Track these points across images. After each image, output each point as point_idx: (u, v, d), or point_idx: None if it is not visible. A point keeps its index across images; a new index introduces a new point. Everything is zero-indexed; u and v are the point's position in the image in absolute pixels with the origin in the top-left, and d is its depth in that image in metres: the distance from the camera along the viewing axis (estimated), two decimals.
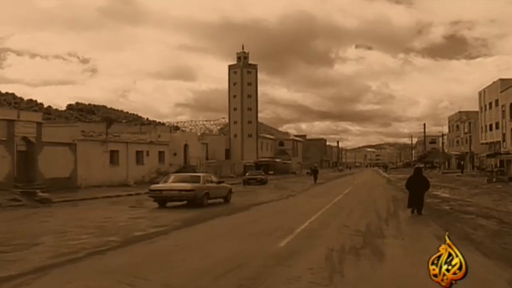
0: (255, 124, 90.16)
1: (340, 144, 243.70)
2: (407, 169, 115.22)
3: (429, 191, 18.76)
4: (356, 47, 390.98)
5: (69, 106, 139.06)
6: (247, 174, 49.84)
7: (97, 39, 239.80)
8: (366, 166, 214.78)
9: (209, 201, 21.49)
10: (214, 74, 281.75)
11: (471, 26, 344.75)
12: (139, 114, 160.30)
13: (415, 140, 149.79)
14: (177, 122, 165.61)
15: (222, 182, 24.62)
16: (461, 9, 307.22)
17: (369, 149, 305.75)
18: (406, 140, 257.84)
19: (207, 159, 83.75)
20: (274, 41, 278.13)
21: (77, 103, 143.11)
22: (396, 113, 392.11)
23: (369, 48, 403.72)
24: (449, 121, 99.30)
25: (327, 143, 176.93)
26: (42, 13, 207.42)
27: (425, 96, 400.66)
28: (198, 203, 20.37)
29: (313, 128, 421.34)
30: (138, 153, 45.72)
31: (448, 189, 34.99)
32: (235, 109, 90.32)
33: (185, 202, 20.88)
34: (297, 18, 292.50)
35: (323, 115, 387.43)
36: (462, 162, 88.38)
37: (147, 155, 47.07)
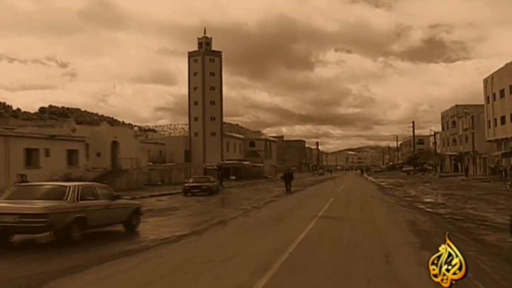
0: (219, 121, 76.96)
1: (321, 148, 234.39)
2: (394, 172, 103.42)
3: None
4: (336, 50, 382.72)
5: (42, 109, 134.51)
6: (190, 180, 36.60)
7: (76, 43, 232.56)
8: (348, 169, 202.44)
9: (95, 230, 12.77)
10: None
11: (450, 30, 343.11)
12: (116, 118, 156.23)
13: (399, 142, 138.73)
14: (156, 126, 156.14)
15: (119, 197, 14.05)
16: (439, 12, 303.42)
17: (350, 152, 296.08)
18: (387, 143, 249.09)
19: (164, 162, 70.92)
20: (254, 45, 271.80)
21: (50, 106, 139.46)
22: (376, 116, 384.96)
23: (349, 51, 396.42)
24: (442, 118, 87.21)
25: (308, 146, 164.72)
26: (21, 17, 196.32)
27: (405, 99, 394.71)
28: (61, 237, 11.11)
29: (294, 132, 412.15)
30: (30, 152, 32.21)
31: (484, 203, 22.41)
32: (195, 103, 77.03)
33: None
34: (277, 21, 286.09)
35: (304, 119, 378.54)
36: (459, 164, 76.35)
37: (46, 154, 33.55)
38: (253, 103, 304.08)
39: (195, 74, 77.09)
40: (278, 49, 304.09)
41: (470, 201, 23.63)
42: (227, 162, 73.30)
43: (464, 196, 27.32)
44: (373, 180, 65.04)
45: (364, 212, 18.70)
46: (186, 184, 35.05)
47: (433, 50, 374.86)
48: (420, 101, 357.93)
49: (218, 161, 71.54)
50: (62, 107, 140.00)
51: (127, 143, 44.70)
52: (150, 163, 67.36)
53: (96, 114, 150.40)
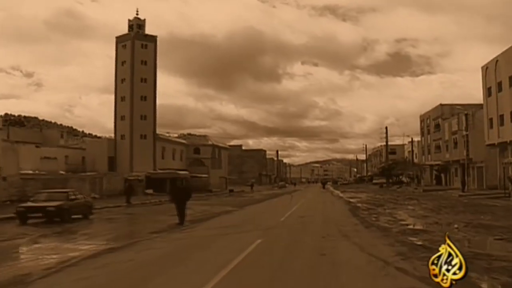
0: (152, 121, 62.04)
1: (288, 160, 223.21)
2: (363, 185, 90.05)
3: None
4: (303, 63, 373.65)
5: None
6: (32, 198, 21.74)
7: (42, 53, 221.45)
8: (313, 182, 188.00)
9: None
10: (161, 89, 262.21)
11: (415, 44, 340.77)
12: (77, 128, 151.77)
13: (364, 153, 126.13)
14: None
15: None
16: (405, 27, 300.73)
17: (316, 165, 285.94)
18: (355, 155, 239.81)
19: (84, 171, 55.98)
20: (222, 57, 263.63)
21: (6, 114, 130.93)
22: (343, 129, 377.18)
23: (316, 64, 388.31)
24: (421, 121, 74.05)
25: (272, 157, 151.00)
26: None
27: (372, 112, 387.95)
28: None
29: (260, 144, 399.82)
30: None
31: None
32: (122, 98, 61.95)
33: None
34: (245, 34, 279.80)
35: (271, 131, 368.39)
36: (443, 175, 63.40)
37: None
38: (220, 115, 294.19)
39: (123, 63, 62.08)
40: (246, 61, 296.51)
41: None
42: (159, 171, 58.55)
43: None
44: (341, 195, 51.27)
45: None
46: (22, 205, 20.37)
47: (399, 64, 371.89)
48: (386, 115, 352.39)
49: (148, 170, 56.84)
50: (19, 116, 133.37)
51: None
52: (62, 172, 52.66)
53: (55, 123, 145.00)
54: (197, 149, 74.43)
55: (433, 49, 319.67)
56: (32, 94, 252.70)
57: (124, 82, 61.56)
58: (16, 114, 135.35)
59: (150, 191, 38.64)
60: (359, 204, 31.83)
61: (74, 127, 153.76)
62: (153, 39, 63.66)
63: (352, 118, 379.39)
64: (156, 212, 25.78)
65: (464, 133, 49.36)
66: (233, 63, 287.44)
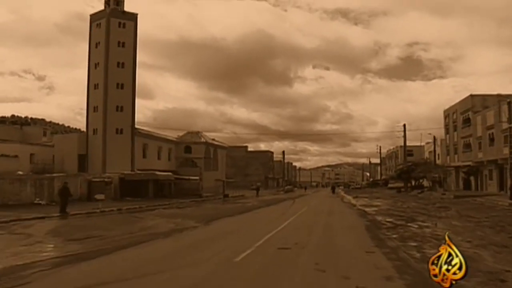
0: (130, 113, 52.64)
1: (300, 164, 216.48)
2: (378, 190, 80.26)
3: None
4: (314, 67, 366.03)
5: (2, 119, 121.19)
6: None
7: (53, 56, 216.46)
8: (323, 186, 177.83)
9: None
10: (172, 93, 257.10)
11: (427, 48, 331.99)
12: (81, 129, 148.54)
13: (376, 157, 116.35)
14: None
15: None
16: (417, 31, 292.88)
17: (327, 169, 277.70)
18: (367, 158, 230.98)
19: (52, 172, 47.12)
20: (232, 60, 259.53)
21: (12, 116, 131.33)
22: (354, 133, 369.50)
23: (327, 68, 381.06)
24: (445, 117, 63.97)
25: (280, 159, 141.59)
26: None
27: (383, 116, 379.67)
28: None
29: (272, 148, 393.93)
30: None
31: None
32: (96, 86, 52.64)
33: None
34: (256, 37, 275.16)
35: (282, 135, 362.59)
36: (473, 179, 53.58)
37: None
38: (231, 118, 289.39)
39: (96, 44, 52.78)
40: (257, 65, 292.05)
41: None
42: (136, 172, 49.31)
43: None
44: (353, 201, 41.76)
45: None
46: None
47: (410, 68, 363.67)
48: (398, 119, 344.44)
49: (124, 171, 47.64)
50: (25, 117, 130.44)
51: None
52: (20, 172, 43.78)
53: (62, 125, 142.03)
54: (188, 148, 64.87)
55: (445, 53, 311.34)
56: (44, 97, 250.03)
57: (97, 67, 52.23)
58: (23, 116, 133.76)
59: (101, 196, 29.31)
60: (379, 217, 22.34)
61: (79, 129, 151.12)
62: (133, 17, 54.21)
63: (364, 122, 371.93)
64: (73, 231, 16.37)
65: (507, 125, 39.53)
66: (244, 67, 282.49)
